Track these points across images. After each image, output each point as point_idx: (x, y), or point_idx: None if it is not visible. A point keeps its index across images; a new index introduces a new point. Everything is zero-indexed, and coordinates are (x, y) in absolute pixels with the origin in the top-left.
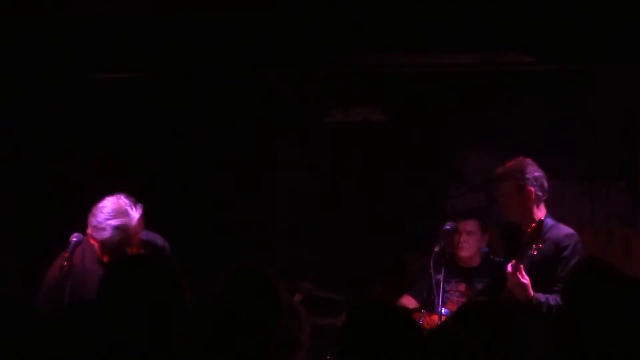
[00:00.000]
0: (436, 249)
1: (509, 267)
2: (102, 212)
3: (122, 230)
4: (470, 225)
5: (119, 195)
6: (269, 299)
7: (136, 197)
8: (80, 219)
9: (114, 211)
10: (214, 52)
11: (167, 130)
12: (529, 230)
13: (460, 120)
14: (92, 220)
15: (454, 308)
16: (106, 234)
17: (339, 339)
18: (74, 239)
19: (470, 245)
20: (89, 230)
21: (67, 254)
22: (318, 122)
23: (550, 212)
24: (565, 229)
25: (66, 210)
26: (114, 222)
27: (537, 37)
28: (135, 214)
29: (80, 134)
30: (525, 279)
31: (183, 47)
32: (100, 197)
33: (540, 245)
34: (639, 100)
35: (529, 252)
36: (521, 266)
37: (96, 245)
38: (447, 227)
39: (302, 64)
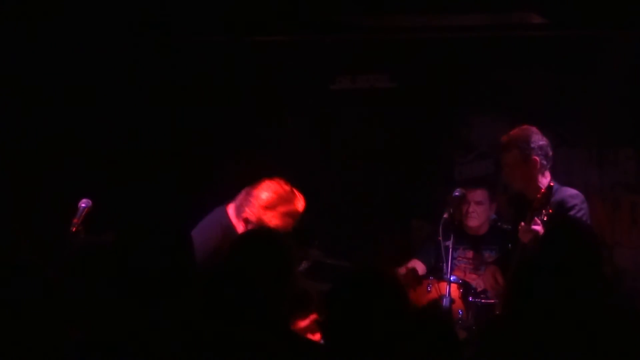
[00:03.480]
0: (445, 215)
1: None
2: (269, 197)
3: (292, 218)
4: (479, 195)
5: (278, 180)
6: (280, 264)
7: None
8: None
9: (281, 197)
10: (216, 20)
11: (171, 97)
12: (538, 196)
13: (468, 87)
14: (255, 203)
15: (461, 275)
16: (274, 221)
17: (325, 304)
18: (83, 205)
19: (479, 215)
20: (245, 213)
21: (76, 220)
22: (324, 89)
23: (557, 179)
24: (570, 190)
25: (77, 177)
26: (282, 208)
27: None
28: (301, 200)
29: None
30: (538, 225)
31: (186, 16)
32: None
33: (550, 211)
34: None
35: (539, 218)
36: (535, 218)
37: (249, 227)
38: (456, 193)
39: (308, 30)
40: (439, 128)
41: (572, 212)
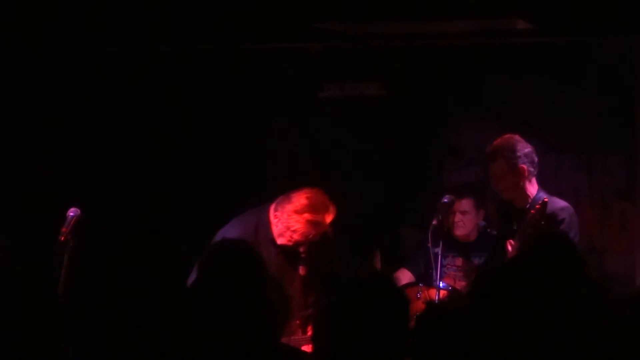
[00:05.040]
0: (434, 222)
1: (509, 247)
2: (300, 202)
3: (315, 226)
4: (465, 204)
5: (317, 190)
6: (252, 273)
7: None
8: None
9: (312, 205)
10: (205, 28)
11: (160, 106)
12: (532, 211)
13: (456, 94)
14: (287, 206)
15: (451, 282)
16: (297, 226)
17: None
18: (71, 214)
19: (465, 224)
20: (277, 212)
21: (64, 229)
22: (313, 97)
23: (547, 186)
24: (560, 202)
25: (59, 185)
26: (308, 216)
27: (537, 5)
28: (331, 214)
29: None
30: None
31: (175, 23)
32: None
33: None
34: (636, 73)
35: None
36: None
37: (278, 227)
38: (445, 200)
39: (296, 37)
40: (427, 135)
41: (561, 227)
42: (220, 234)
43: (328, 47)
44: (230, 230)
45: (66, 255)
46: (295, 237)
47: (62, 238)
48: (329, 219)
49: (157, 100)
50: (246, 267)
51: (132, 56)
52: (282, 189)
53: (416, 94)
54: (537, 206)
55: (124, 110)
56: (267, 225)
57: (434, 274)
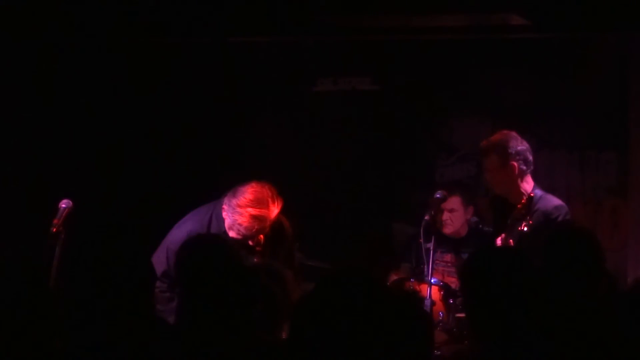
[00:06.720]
0: (426, 217)
1: (498, 242)
2: (244, 197)
3: (259, 221)
4: (452, 202)
5: (263, 184)
6: (223, 269)
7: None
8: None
9: (256, 200)
10: (197, 21)
11: (152, 98)
12: (519, 206)
13: (449, 89)
14: (232, 200)
15: (439, 277)
16: (242, 219)
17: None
18: (63, 206)
19: (453, 221)
20: (225, 206)
21: (56, 221)
22: (306, 91)
23: (539, 182)
24: (555, 201)
25: (50, 177)
26: (252, 210)
27: (531, 1)
28: (275, 208)
29: None
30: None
31: (167, 16)
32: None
33: (531, 222)
34: (629, 70)
35: (519, 228)
36: (510, 240)
37: (226, 221)
38: (438, 195)
39: (289, 31)
40: (420, 130)
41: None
42: (176, 228)
43: (321, 40)
44: (186, 224)
45: (58, 246)
46: (242, 230)
47: (54, 229)
48: (273, 213)
49: (148, 93)
50: (233, 260)
51: (123, 49)
52: (274, 183)
53: (409, 89)
54: (523, 201)
55: (116, 103)
56: (221, 218)
57: (426, 269)
